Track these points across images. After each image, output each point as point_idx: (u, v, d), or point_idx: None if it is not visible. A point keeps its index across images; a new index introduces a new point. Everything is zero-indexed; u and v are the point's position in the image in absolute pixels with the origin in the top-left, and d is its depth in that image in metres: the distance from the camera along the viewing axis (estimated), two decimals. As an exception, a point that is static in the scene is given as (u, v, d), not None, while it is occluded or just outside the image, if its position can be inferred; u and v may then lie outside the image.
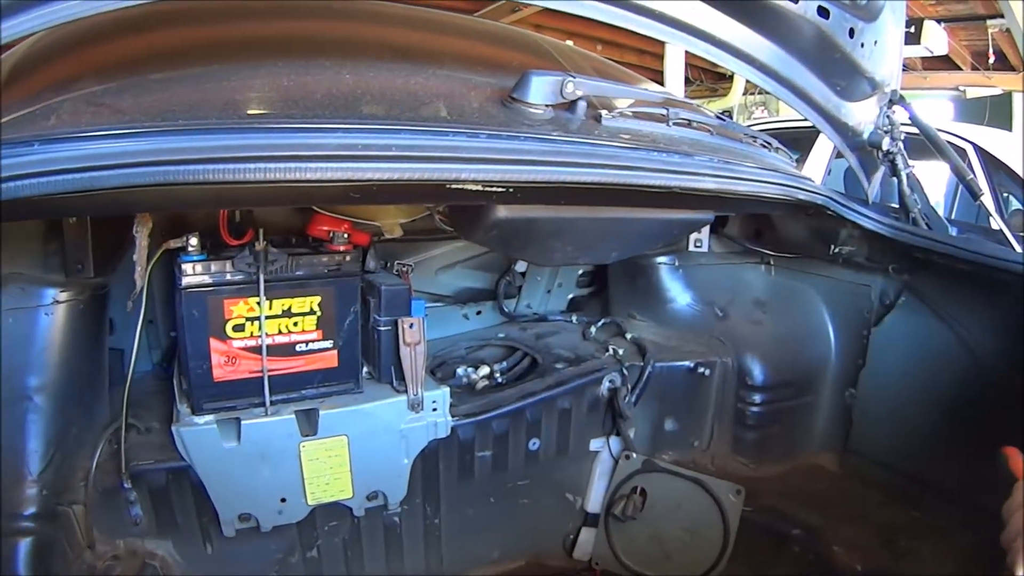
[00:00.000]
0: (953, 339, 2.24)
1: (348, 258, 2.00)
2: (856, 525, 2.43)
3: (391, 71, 1.74)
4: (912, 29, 6.76)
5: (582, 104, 1.71)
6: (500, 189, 1.49)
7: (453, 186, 1.44)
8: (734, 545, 2.55)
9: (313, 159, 1.32)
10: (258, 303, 1.91)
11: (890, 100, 2.37)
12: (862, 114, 2.37)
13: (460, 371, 2.54)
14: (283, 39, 1.85)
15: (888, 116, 2.38)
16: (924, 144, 2.49)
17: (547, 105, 1.66)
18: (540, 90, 1.66)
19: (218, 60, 1.59)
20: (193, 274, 1.85)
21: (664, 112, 1.84)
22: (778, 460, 2.77)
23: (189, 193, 1.35)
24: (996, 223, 3.26)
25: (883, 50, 2.26)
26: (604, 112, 1.73)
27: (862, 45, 2.18)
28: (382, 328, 2.09)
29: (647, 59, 10.26)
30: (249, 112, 1.41)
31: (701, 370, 2.68)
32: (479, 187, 1.46)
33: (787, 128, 6.12)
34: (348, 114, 1.48)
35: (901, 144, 2.40)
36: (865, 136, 2.41)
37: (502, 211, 1.70)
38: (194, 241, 1.85)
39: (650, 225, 1.96)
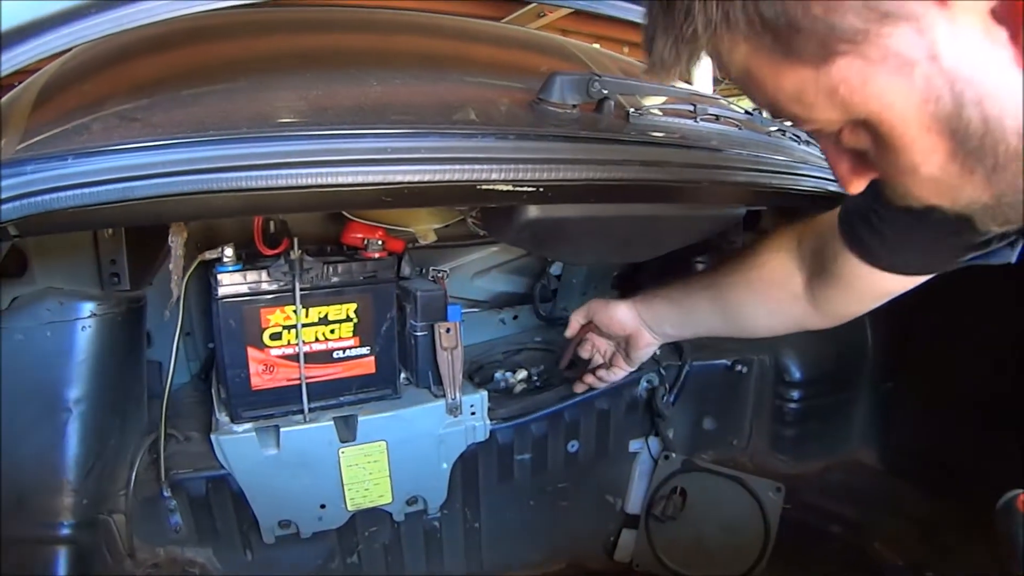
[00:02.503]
0: (991, 328, 2.23)
1: (383, 265, 2.01)
2: (897, 520, 2.43)
3: (419, 79, 1.76)
4: None
5: (609, 103, 1.71)
6: (530, 189, 1.49)
7: (484, 187, 1.45)
8: (775, 543, 2.54)
9: (344, 163, 1.34)
10: (294, 311, 1.92)
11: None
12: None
13: (498, 375, 2.53)
14: (310, 52, 1.86)
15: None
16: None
17: (573, 105, 1.67)
18: (566, 90, 1.66)
19: (247, 74, 1.61)
20: (229, 284, 1.87)
21: (691, 108, 1.84)
22: (817, 456, 2.76)
23: (223, 201, 1.36)
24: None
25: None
26: (632, 110, 1.74)
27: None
28: (419, 333, 2.10)
29: (675, 60, 10.22)
30: (280, 121, 1.42)
31: (738, 368, 2.68)
32: (509, 187, 1.47)
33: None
34: (377, 120, 1.49)
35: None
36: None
37: (533, 211, 1.70)
38: (229, 252, 1.86)
39: (681, 222, 1.96)
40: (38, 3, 1.17)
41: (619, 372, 2.31)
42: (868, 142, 0.91)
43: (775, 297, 1.92)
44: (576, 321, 2.29)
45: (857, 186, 1.01)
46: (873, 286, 1.67)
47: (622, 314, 2.17)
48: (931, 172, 0.88)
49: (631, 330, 2.18)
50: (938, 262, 1.56)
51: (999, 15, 0.76)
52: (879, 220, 1.51)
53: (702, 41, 0.86)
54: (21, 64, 1.19)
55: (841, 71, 0.82)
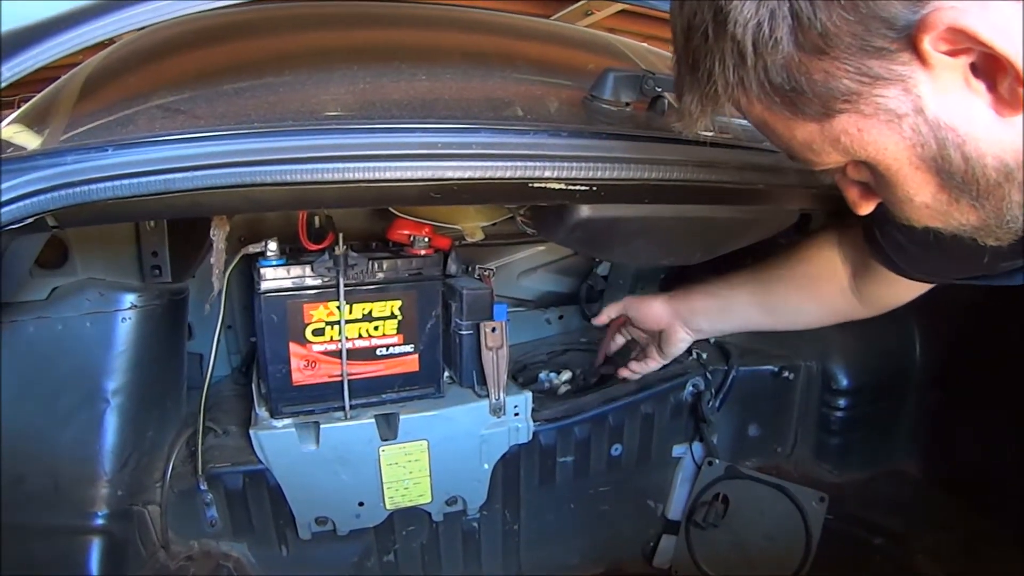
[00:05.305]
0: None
1: (429, 262, 1.99)
2: (940, 533, 2.39)
3: (468, 75, 1.74)
4: None
5: (663, 101, 1.68)
6: (583, 188, 1.46)
7: (536, 185, 1.42)
8: (816, 553, 2.50)
9: (393, 158, 1.30)
10: (338, 307, 1.90)
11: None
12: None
13: (542, 376, 2.50)
14: (357, 47, 1.86)
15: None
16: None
17: (627, 103, 1.64)
18: (620, 88, 1.63)
19: (292, 68, 1.60)
20: (272, 279, 1.85)
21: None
22: (862, 466, 2.72)
23: (267, 195, 1.34)
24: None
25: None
26: (686, 109, 1.70)
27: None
28: (464, 332, 2.07)
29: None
30: (326, 114, 1.40)
31: (785, 374, 2.64)
32: (562, 185, 1.43)
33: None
34: (427, 115, 1.47)
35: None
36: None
37: (585, 210, 1.66)
38: (273, 246, 1.84)
39: (734, 224, 1.92)
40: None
41: (652, 364, 2.36)
42: (869, 176, 1.06)
43: (822, 290, 2.01)
44: (607, 314, 2.35)
45: (865, 209, 1.17)
46: (910, 284, 1.80)
47: (657, 309, 2.24)
48: (924, 201, 1.02)
49: (665, 325, 2.24)
50: (955, 274, 1.67)
51: (978, 68, 0.86)
52: (898, 232, 1.64)
53: (723, 99, 1.00)
54: (46, 61, 1.17)
55: (842, 124, 0.96)
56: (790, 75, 0.92)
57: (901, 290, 1.87)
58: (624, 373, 2.39)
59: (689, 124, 1.08)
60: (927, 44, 0.83)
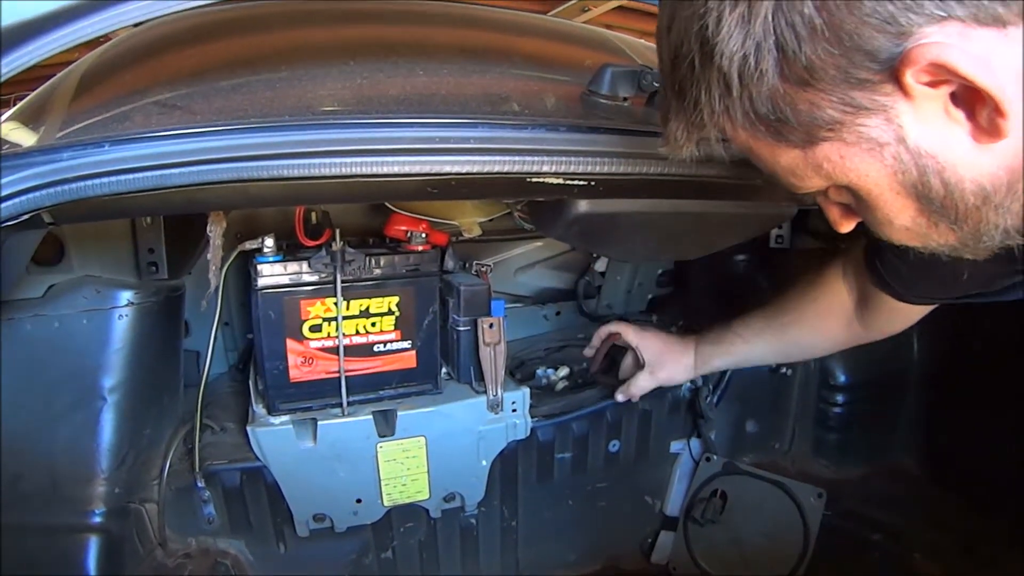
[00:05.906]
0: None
1: (426, 258, 1.98)
2: (938, 531, 2.38)
3: (465, 70, 1.71)
4: None
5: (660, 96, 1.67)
6: (581, 182, 1.46)
7: (533, 179, 1.41)
8: (814, 549, 2.51)
9: (390, 152, 1.29)
10: (335, 304, 1.89)
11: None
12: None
13: (539, 372, 2.49)
14: (354, 42, 1.83)
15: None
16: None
17: (625, 98, 1.63)
18: (618, 83, 1.62)
19: (289, 64, 1.58)
20: (269, 275, 1.84)
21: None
22: (859, 463, 2.73)
23: (263, 190, 1.33)
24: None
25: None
26: (683, 104, 1.69)
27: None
28: (461, 328, 2.06)
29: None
30: (323, 109, 1.39)
31: (783, 370, 2.64)
32: (560, 180, 1.43)
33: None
34: (424, 110, 1.45)
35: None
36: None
37: (583, 205, 1.65)
38: (270, 242, 1.84)
39: (732, 219, 1.91)
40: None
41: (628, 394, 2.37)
42: (851, 198, 1.09)
43: (831, 325, 2.08)
44: (620, 345, 2.38)
45: (846, 227, 1.20)
46: (910, 309, 1.89)
47: (682, 376, 2.34)
48: (904, 224, 1.05)
49: (685, 379, 2.40)
50: (954, 294, 1.69)
51: (958, 97, 0.88)
52: (896, 258, 1.68)
53: (708, 126, 1.02)
54: (42, 57, 1.16)
55: (824, 152, 0.98)
56: (775, 105, 0.94)
57: (902, 315, 1.93)
58: (621, 397, 2.38)
59: (675, 149, 1.11)
60: (909, 77, 0.86)
